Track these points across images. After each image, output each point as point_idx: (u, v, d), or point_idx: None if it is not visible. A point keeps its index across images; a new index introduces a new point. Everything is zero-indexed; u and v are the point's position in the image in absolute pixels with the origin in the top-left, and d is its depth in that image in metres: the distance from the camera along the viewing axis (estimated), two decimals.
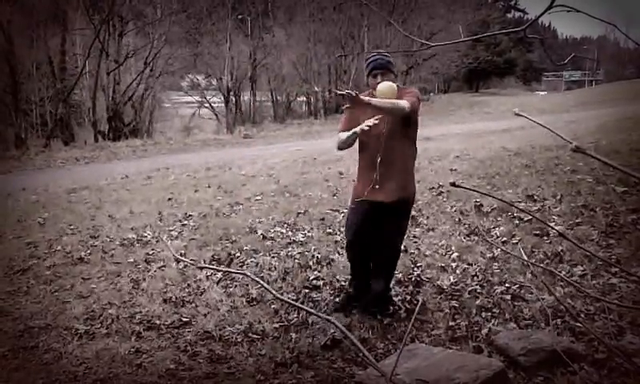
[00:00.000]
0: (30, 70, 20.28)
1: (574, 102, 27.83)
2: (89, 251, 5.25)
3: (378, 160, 3.38)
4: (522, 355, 2.88)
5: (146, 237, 5.55)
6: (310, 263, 4.50)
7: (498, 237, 4.80)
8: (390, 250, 3.54)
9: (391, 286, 3.75)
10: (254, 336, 3.44)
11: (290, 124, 24.60)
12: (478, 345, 3.12)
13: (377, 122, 3.26)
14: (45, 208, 7.43)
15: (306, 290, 4.04)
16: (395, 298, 3.74)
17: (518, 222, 5.05)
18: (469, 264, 4.25)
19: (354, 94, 3.05)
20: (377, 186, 3.40)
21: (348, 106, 3.17)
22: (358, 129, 3.36)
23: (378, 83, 3.35)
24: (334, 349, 3.22)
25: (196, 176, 9.37)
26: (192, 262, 4.62)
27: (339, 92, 3.21)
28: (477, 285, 3.88)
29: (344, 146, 3.53)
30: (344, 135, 3.48)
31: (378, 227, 3.47)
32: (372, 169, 3.41)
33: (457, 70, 36.21)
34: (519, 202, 5.60)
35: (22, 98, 19.11)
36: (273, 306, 3.78)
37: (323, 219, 5.66)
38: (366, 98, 3.15)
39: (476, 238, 4.78)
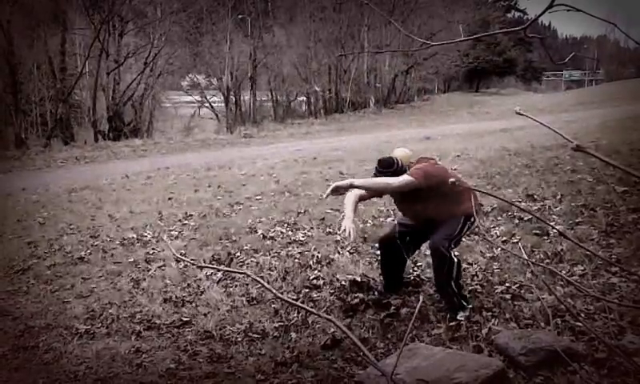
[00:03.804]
0: (30, 70, 20.28)
1: (574, 101, 27.80)
2: (89, 251, 5.26)
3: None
4: (522, 355, 2.87)
5: (146, 236, 5.55)
6: (310, 263, 4.50)
7: (498, 236, 4.80)
8: (434, 254, 3.50)
9: (457, 290, 3.45)
10: (254, 335, 3.44)
11: (290, 124, 24.59)
12: (478, 344, 3.12)
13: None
14: (45, 208, 7.44)
15: (306, 290, 4.04)
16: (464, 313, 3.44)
17: (518, 221, 5.05)
18: (469, 263, 4.24)
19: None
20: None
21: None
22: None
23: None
24: (334, 348, 3.22)
25: (196, 176, 9.37)
26: (192, 261, 4.62)
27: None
28: (477, 284, 3.88)
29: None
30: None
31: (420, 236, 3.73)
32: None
33: (457, 69, 36.17)
34: (519, 201, 5.60)
35: (22, 97, 19.11)
36: (273, 306, 3.78)
37: (323, 219, 5.66)
38: (347, 182, 3.29)
39: (476, 237, 4.77)
